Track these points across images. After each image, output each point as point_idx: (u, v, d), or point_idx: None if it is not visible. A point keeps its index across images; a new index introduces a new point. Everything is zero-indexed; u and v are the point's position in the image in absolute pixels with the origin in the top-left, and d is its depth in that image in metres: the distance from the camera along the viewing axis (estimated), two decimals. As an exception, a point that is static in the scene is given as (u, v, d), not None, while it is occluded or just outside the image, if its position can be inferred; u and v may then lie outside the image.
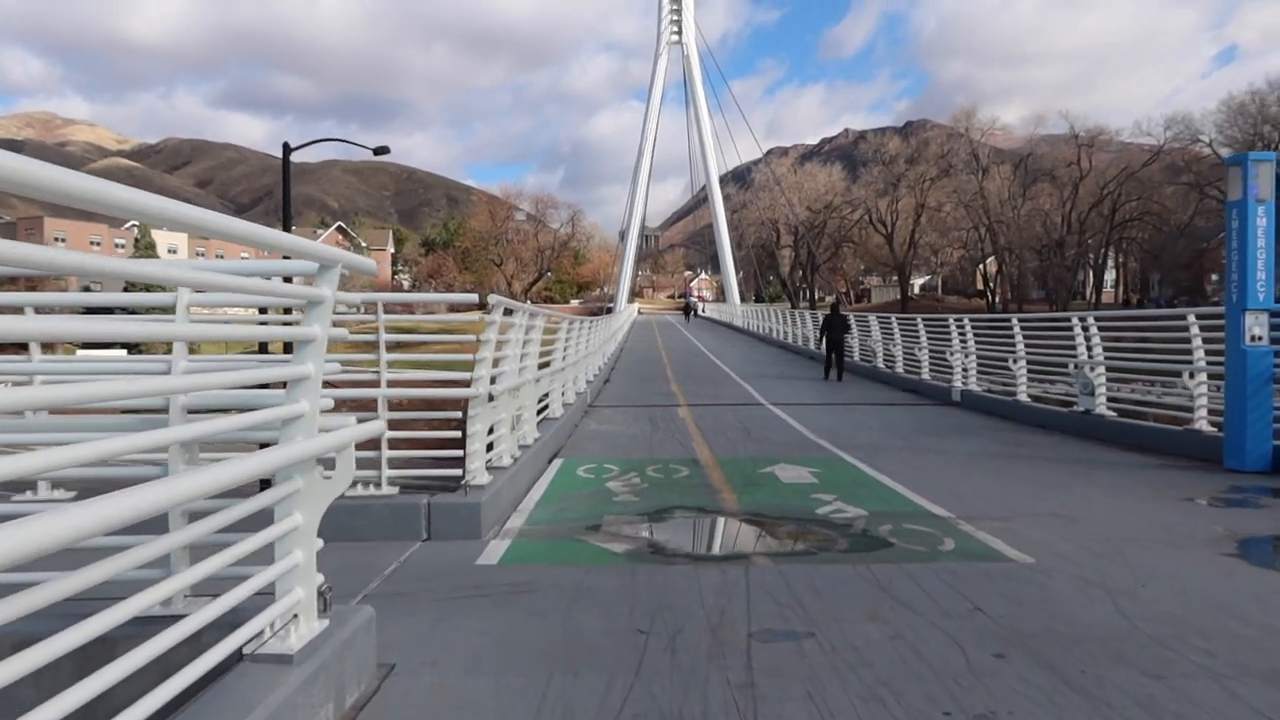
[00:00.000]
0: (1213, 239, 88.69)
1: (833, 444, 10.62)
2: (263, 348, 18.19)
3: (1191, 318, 9.74)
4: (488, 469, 6.62)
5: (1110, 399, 11.39)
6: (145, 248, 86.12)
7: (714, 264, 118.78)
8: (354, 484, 5.90)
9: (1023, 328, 13.74)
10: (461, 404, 6.28)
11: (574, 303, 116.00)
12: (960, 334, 15.93)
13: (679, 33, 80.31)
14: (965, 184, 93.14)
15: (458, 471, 6.12)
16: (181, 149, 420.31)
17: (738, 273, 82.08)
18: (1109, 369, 11.49)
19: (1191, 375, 9.62)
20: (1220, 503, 7.00)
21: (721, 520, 6.54)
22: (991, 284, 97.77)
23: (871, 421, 13.17)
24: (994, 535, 5.79)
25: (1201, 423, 9.60)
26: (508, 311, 6.91)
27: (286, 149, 27.00)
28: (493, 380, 6.56)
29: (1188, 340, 9.75)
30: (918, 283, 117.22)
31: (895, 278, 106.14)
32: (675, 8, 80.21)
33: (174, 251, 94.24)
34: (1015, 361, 13.61)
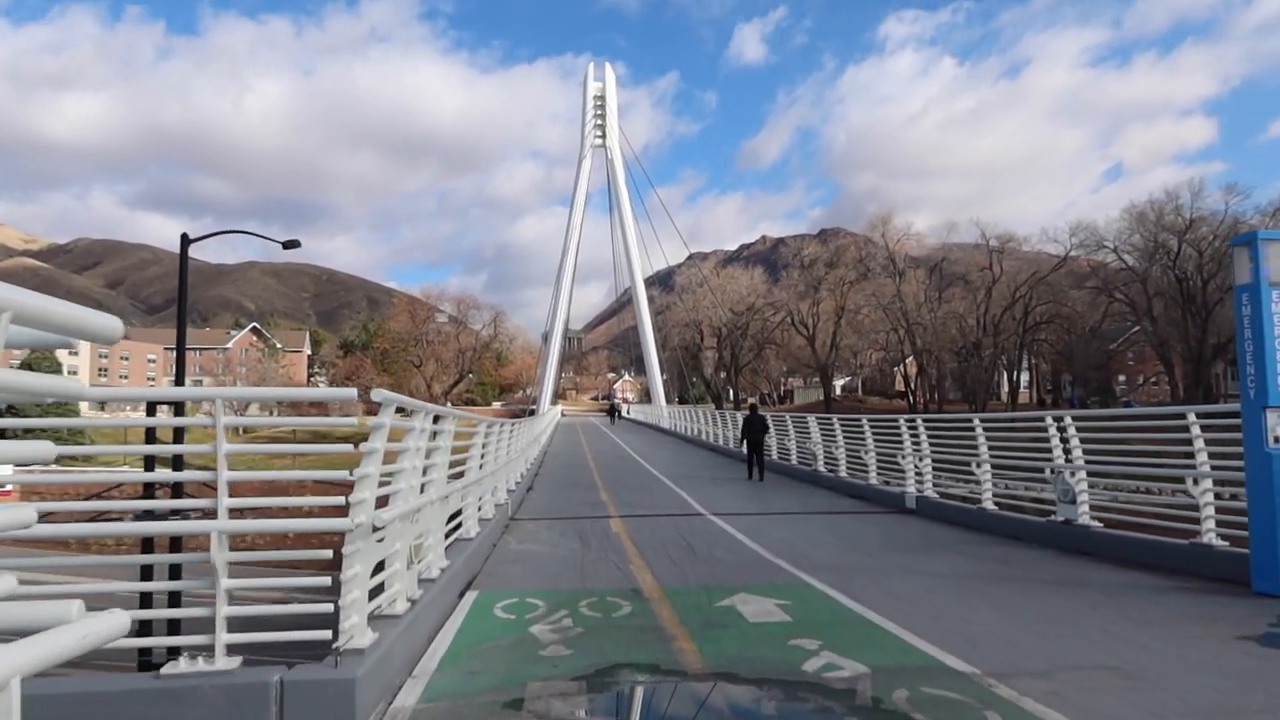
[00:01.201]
0: (1120, 340, 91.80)
1: (793, 565, 9.18)
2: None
3: (1192, 416, 8.68)
4: (374, 620, 5.00)
5: (1092, 506, 10.26)
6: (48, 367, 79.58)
7: (638, 366, 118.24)
8: (177, 654, 4.23)
9: (985, 428, 12.65)
10: (337, 538, 4.69)
11: (496, 405, 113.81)
12: (913, 435, 14.80)
13: (603, 136, 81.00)
14: (883, 287, 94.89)
15: (327, 633, 4.47)
16: (93, 249, 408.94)
17: (662, 374, 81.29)
18: (1092, 474, 10.37)
19: (1196, 482, 8.51)
20: (1289, 644, 5.74)
21: (685, 687, 4.97)
22: (912, 385, 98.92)
23: (826, 534, 11.80)
24: (1049, 706, 4.37)
25: (1210, 535, 8.45)
26: (403, 412, 5.40)
27: (185, 239, 25.17)
28: (382, 503, 5.01)
29: (1188, 442, 8.67)
30: (839, 384, 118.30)
31: (817, 378, 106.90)
32: (599, 112, 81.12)
33: (74, 372, 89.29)
34: (979, 465, 12.47)
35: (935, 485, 14.36)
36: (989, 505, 12.30)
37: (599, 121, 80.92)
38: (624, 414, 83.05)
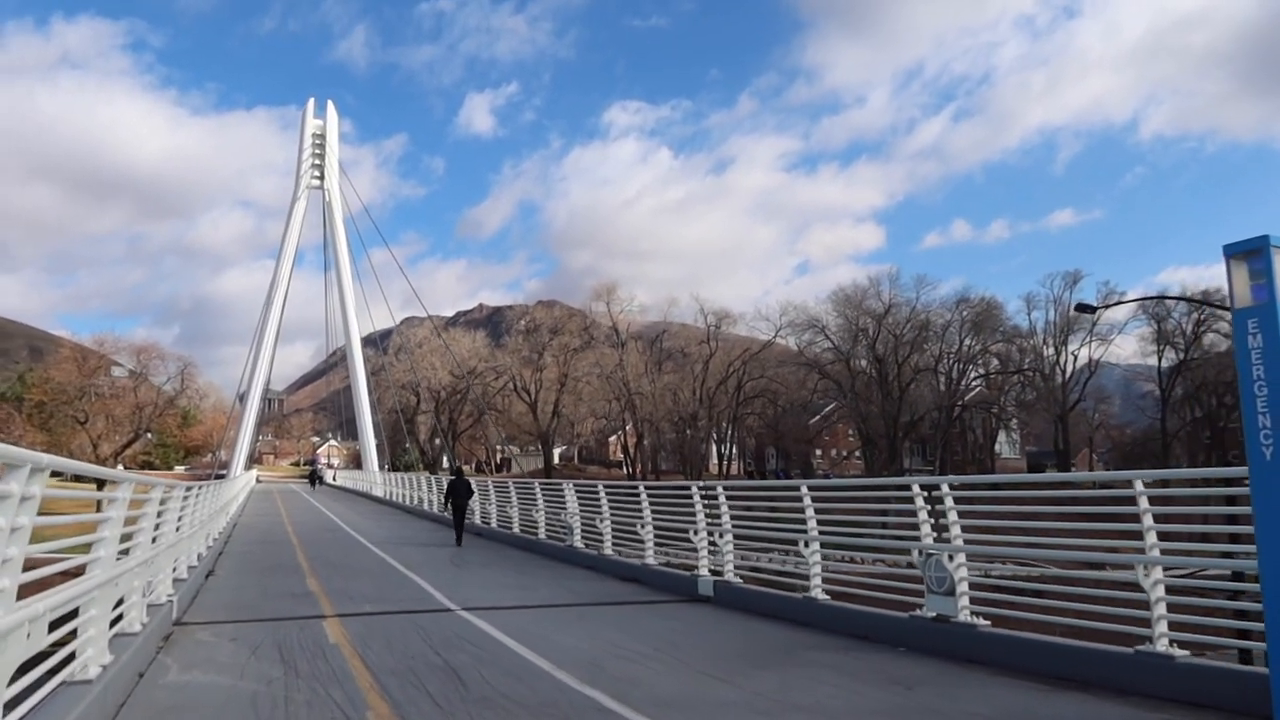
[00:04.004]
0: (817, 415, 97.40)
1: (621, 702, 6.15)
2: None
3: (1140, 485, 6.67)
4: None
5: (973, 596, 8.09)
6: None
7: (348, 429, 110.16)
8: None
9: (813, 498, 10.34)
10: None
11: (180, 469, 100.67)
12: (709, 506, 12.30)
13: (321, 178, 74.56)
14: (605, 357, 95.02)
15: None
16: None
17: (376, 439, 75.13)
18: (973, 557, 8.21)
19: (1147, 570, 6.47)
20: None
21: None
22: (630, 454, 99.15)
23: (628, 640, 8.84)
24: None
25: (1163, 642, 6.41)
26: None
27: None
28: None
29: (1136, 517, 6.65)
30: (556, 453, 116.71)
31: (534, 446, 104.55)
32: (318, 151, 74.68)
33: None
34: (807, 545, 10.09)
35: (737, 567, 11.91)
36: (819, 594, 9.93)
37: (317, 161, 74.40)
38: (328, 480, 76.15)
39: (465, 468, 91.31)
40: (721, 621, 10.21)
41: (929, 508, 8.58)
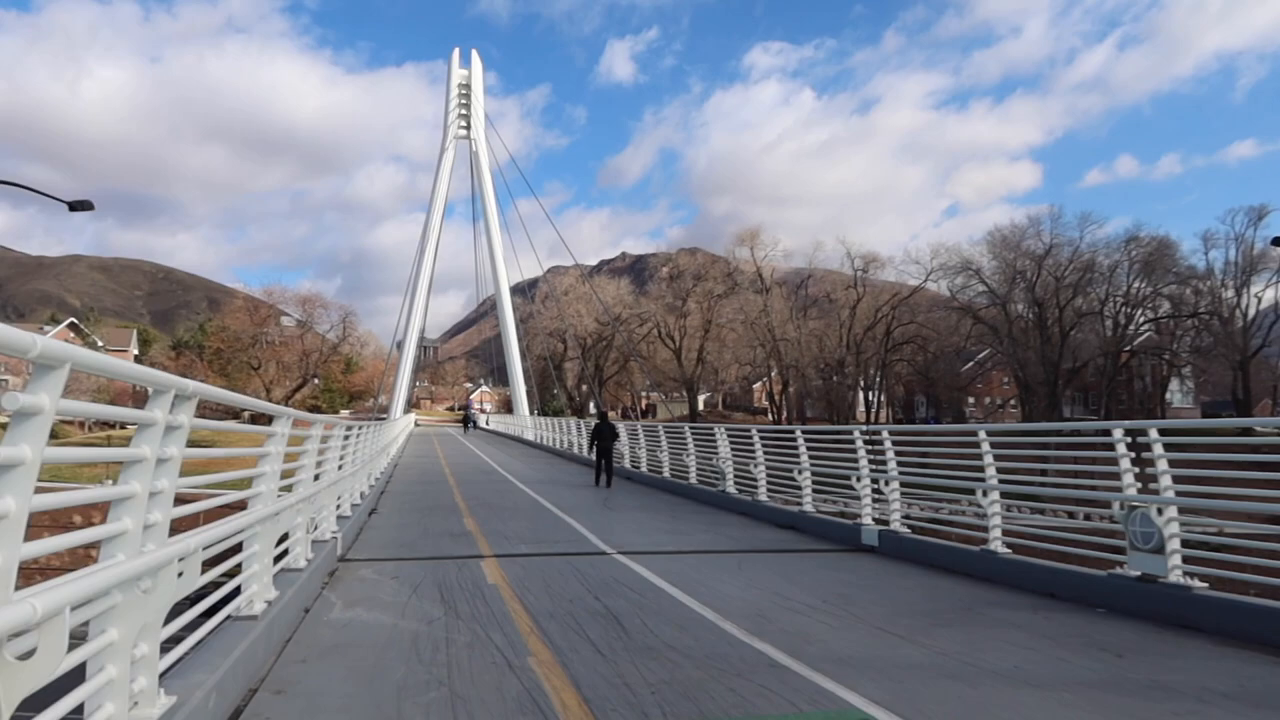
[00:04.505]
0: (969, 363, 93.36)
1: (794, 656, 5.71)
2: None
3: None
4: None
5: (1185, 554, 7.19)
6: None
7: (498, 376, 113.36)
8: None
9: (992, 443, 9.53)
10: None
11: (344, 413, 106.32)
12: (874, 451, 11.62)
13: (467, 127, 75.82)
14: (749, 303, 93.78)
15: None
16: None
17: (526, 384, 76.96)
18: (1187, 510, 7.29)
19: None
20: None
21: None
22: (776, 401, 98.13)
23: (793, 589, 8.38)
24: None
25: None
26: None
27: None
28: None
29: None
30: (700, 399, 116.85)
31: (678, 393, 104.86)
32: (464, 100, 75.94)
33: None
34: (986, 494, 9.33)
35: (903, 517, 11.23)
36: (999, 547, 9.17)
37: (463, 111, 75.64)
38: (480, 424, 78.90)
39: (610, 413, 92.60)
40: (890, 573, 9.60)
41: (1132, 455, 7.68)
